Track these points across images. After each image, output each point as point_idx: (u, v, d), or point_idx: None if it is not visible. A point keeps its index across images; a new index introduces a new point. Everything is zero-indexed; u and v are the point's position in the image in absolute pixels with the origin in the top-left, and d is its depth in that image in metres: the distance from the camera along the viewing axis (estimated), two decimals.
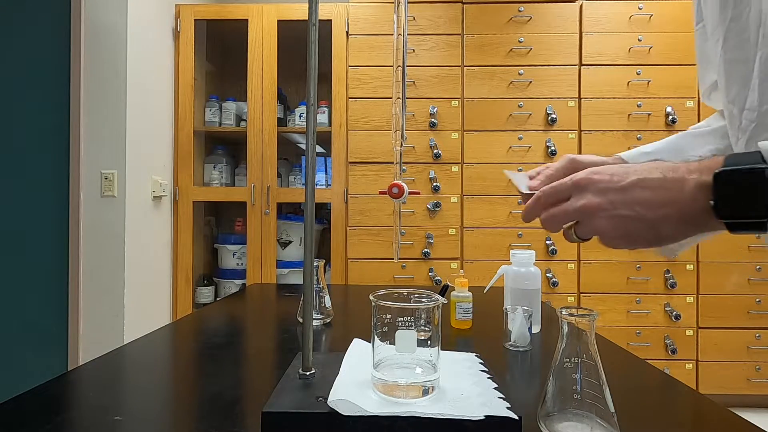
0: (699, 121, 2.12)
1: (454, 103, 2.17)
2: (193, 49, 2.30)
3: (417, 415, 0.45)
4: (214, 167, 2.45)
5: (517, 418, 0.45)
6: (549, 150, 2.11)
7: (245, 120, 2.39)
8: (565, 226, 0.48)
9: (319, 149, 2.71)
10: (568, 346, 0.46)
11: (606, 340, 0.86)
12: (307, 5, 0.57)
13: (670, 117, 2.09)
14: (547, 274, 2.11)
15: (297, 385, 0.52)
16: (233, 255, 2.47)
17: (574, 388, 0.44)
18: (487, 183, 2.15)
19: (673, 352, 2.06)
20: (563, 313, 0.46)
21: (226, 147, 2.57)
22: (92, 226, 1.92)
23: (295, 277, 2.40)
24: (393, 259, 2.06)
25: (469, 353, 0.65)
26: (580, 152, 2.14)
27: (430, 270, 2.13)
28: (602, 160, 0.62)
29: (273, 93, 2.29)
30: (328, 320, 0.97)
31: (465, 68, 2.17)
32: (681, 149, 0.64)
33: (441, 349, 0.51)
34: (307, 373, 0.54)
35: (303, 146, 2.82)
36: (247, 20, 2.28)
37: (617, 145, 2.12)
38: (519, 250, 0.93)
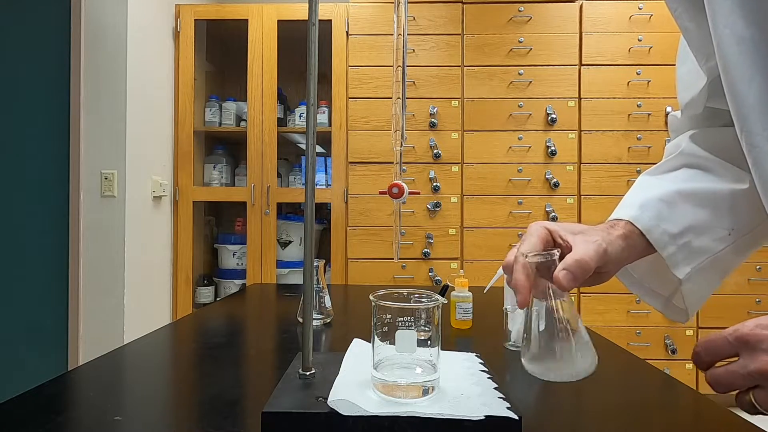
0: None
1: (454, 103, 2.17)
2: (193, 49, 2.30)
3: (417, 415, 0.45)
4: (214, 167, 2.45)
5: (517, 418, 0.45)
6: (549, 150, 2.11)
7: (245, 120, 2.39)
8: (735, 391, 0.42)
9: (319, 149, 2.71)
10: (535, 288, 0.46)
11: (606, 340, 0.86)
12: (307, 5, 0.57)
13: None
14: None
15: (297, 385, 0.52)
16: (233, 255, 2.47)
17: (547, 327, 0.45)
18: (487, 183, 2.15)
19: (673, 352, 2.06)
20: (528, 259, 0.46)
21: (226, 147, 2.57)
22: (92, 226, 1.91)
23: (295, 277, 2.40)
24: (393, 259, 2.06)
25: (469, 353, 0.65)
26: (580, 152, 2.14)
27: (430, 270, 2.13)
28: (579, 229, 0.53)
29: (273, 93, 2.29)
30: (328, 320, 0.97)
31: (465, 68, 2.17)
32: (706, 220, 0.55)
33: (441, 349, 0.51)
34: (307, 373, 0.54)
35: (303, 146, 2.82)
36: (247, 20, 2.28)
37: (617, 145, 2.12)
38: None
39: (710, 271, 0.55)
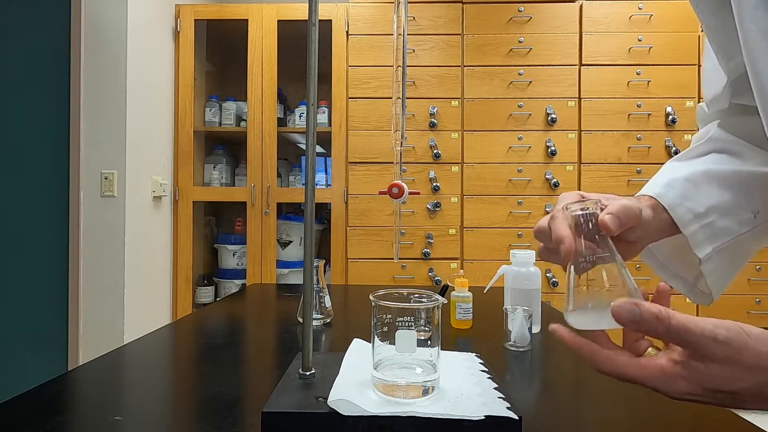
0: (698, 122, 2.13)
1: (454, 103, 2.17)
2: (193, 49, 2.30)
3: (417, 415, 0.45)
4: (214, 167, 2.45)
5: (517, 418, 0.45)
6: (549, 150, 2.11)
7: (245, 120, 2.39)
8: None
9: (319, 149, 2.71)
10: (579, 241, 0.43)
11: None
12: (307, 5, 0.57)
13: (670, 117, 2.09)
14: (547, 274, 2.11)
15: (297, 385, 0.52)
16: (233, 255, 2.47)
17: (589, 278, 0.42)
18: (487, 183, 2.15)
19: None
20: (570, 210, 0.44)
21: (226, 147, 2.57)
22: (92, 226, 1.91)
23: (295, 277, 2.40)
24: (393, 259, 2.06)
25: (469, 353, 0.65)
26: (580, 152, 2.14)
27: (430, 270, 2.13)
28: (610, 196, 0.52)
29: (273, 93, 2.29)
30: (328, 320, 0.97)
31: (465, 68, 2.17)
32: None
33: (441, 349, 0.51)
34: (307, 373, 0.54)
35: (303, 146, 2.82)
36: (247, 20, 2.28)
37: (617, 145, 2.12)
38: (519, 250, 0.93)
39: (732, 253, 0.55)
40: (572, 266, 0.43)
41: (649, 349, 0.41)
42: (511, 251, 0.93)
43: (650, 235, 0.53)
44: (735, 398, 0.34)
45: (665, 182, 0.54)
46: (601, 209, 0.45)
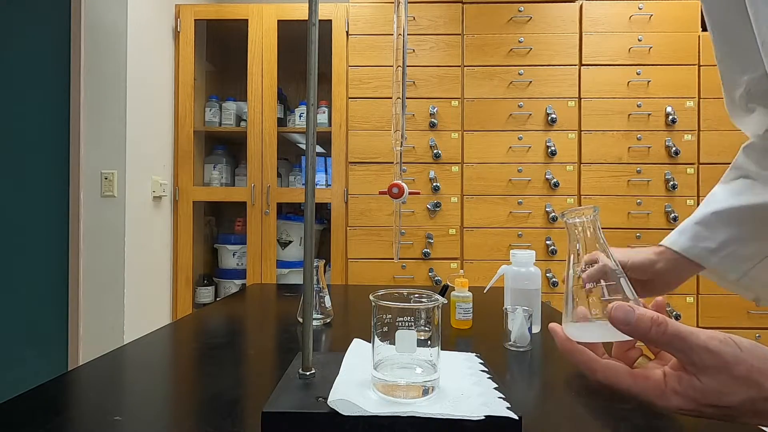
0: (699, 121, 2.13)
1: (454, 103, 2.17)
2: (193, 49, 2.30)
3: (417, 415, 0.45)
4: (214, 167, 2.45)
5: (517, 418, 0.45)
6: (549, 150, 2.11)
7: (245, 120, 2.39)
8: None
9: (319, 149, 2.71)
10: (572, 249, 0.43)
11: None
12: (307, 5, 0.57)
13: (670, 117, 2.09)
14: (547, 274, 2.11)
15: (297, 385, 0.52)
16: (233, 255, 2.47)
17: (587, 288, 0.41)
18: (487, 183, 2.15)
19: None
20: (564, 218, 0.44)
21: (226, 147, 2.57)
22: (92, 226, 1.91)
23: (295, 277, 2.40)
24: (393, 259, 2.06)
25: (469, 353, 0.65)
26: (580, 152, 2.14)
27: (430, 270, 2.13)
28: (649, 261, 0.64)
29: (273, 93, 2.29)
30: (328, 320, 0.97)
31: (465, 68, 2.17)
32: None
33: (441, 349, 0.51)
34: (307, 373, 0.54)
35: (303, 146, 2.82)
36: (247, 20, 2.28)
37: (617, 145, 2.12)
38: (519, 250, 0.93)
39: None
40: (571, 277, 0.43)
41: (640, 358, 0.41)
42: (511, 251, 0.93)
43: (674, 277, 0.64)
44: (728, 412, 0.34)
45: (678, 230, 0.65)
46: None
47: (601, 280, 0.41)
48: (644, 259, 0.65)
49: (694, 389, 0.34)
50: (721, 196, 0.65)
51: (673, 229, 0.67)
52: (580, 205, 2.11)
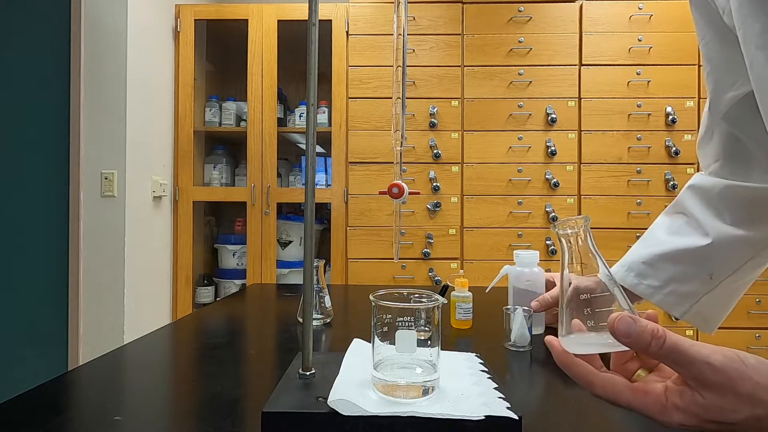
0: (699, 121, 2.13)
1: (454, 103, 2.17)
2: (193, 49, 2.30)
3: (417, 415, 0.45)
4: (214, 167, 2.45)
5: (517, 418, 0.45)
6: (549, 150, 2.11)
7: (245, 120, 2.39)
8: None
9: (319, 149, 2.71)
10: (565, 260, 0.42)
11: None
12: (307, 5, 0.57)
13: (670, 117, 2.09)
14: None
15: (297, 385, 0.52)
16: (233, 255, 2.47)
17: (582, 299, 0.41)
18: (487, 183, 2.15)
19: None
20: (558, 229, 0.43)
21: (226, 147, 2.57)
22: (92, 226, 1.91)
23: (295, 277, 2.40)
24: (393, 259, 2.06)
25: (469, 353, 0.65)
26: (580, 152, 2.14)
27: (430, 270, 2.13)
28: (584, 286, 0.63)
29: (273, 93, 2.29)
30: (328, 320, 0.97)
31: (465, 68, 2.17)
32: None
33: (441, 349, 0.51)
34: (307, 373, 0.54)
35: (303, 146, 2.82)
36: (247, 20, 2.28)
37: (617, 145, 2.12)
38: (522, 251, 0.92)
39: (711, 304, 0.68)
40: (565, 288, 0.42)
41: (639, 371, 0.41)
42: (515, 252, 0.92)
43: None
44: (731, 428, 0.34)
45: (627, 266, 0.73)
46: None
47: (597, 291, 0.41)
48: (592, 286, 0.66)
49: (696, 405, 0.34)
50: (663, 236, 0.72)
51: None
52: (579, 207, 2.12)
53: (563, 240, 0.43)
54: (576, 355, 0.39)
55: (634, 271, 0.71)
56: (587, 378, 0.38)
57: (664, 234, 0.72)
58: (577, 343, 0.40)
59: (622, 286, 0.55)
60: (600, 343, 0.38)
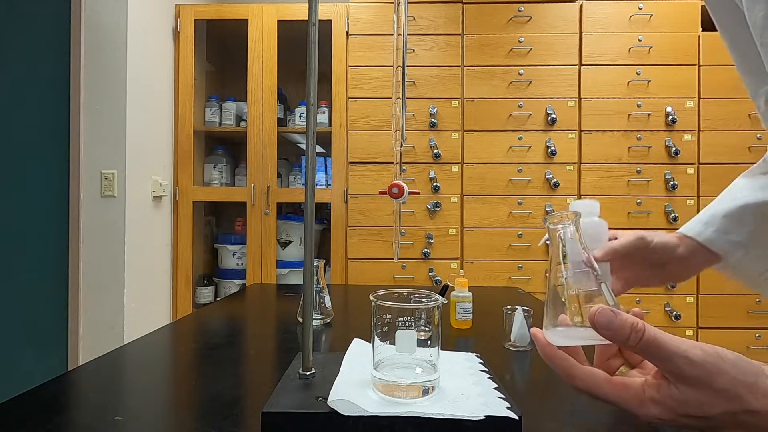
0: (699, 121, 2.13)
1: (454, 103, 2.17)
2: (193, 49, 2.30)
3: (417, 415, 0.45)
4: (214, 167, 2.45)
5: (517, 418, 0.45)
6: (549, 150, 2.11)
7: (245, 120, 2.39)
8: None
9: (319, 149, 2.71)
10: (554, 254, 0.42)
11: None
12: (307, 5, 0.57)
13: (670, 117, 2.09)
14: (548, 275, 2.10)
15: (297, 385, 0.52)
16: (233, 255, 2.47)
17: (570, 294, 0.41)
18: (487, 183, 2.15)
19: None
20: (550, 223, 0.43)
21: (226, 147, 2.57)
22: (92, 226, 1.91)
23: (295, 277, 2.40)
24: (393, 259, 2.06)
25: (469, 353, 0.65)
26: (580, 152, 2.14)
27: (430, 270, 2.13)
28: (672, 244, 0.63)
29: (273, 93, 2.29)
30: (328, 320, 0.97)
31: (465, 68, 2.17)
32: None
33: (441, 349, 0.51)
34: (307, 373, 0.54)
35: (303, 146, 2.82)
36: (247, 20, 2.28)
37: (617, 145, 2.12)
38: (581, 201, 0.72)
39: None
40: (552, 281, 0.42)
41: (621, 367, 0.41)
42: (571, 203, 0.70)
43: (692, 265, 0.63)
44: (706, 423, 0.34)
45: (705, 221, 0.63)
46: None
47: (584, 286, 0.41)
48: (667, 242, 0.64)
49: (672, 399, 0.34)
50: (747, 191, 0.63)
51: (674, 229, 0.66)
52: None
53: (553, 234, 0.43)
54: (560, 348, 0.40)
55: (714, 226, 0.63)
56: (569, 371, 0.39)
57: (750, 189, 0.63)
58: (562, 335, 0.40)
59: (702, 243, 0.60)
60: (584, 336, 0.39)
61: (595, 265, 0.42)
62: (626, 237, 0.59)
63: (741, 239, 0.60)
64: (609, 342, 0.37)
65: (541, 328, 0.42)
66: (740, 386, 0.33)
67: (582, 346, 0.41)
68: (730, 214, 0.61)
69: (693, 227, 0.64)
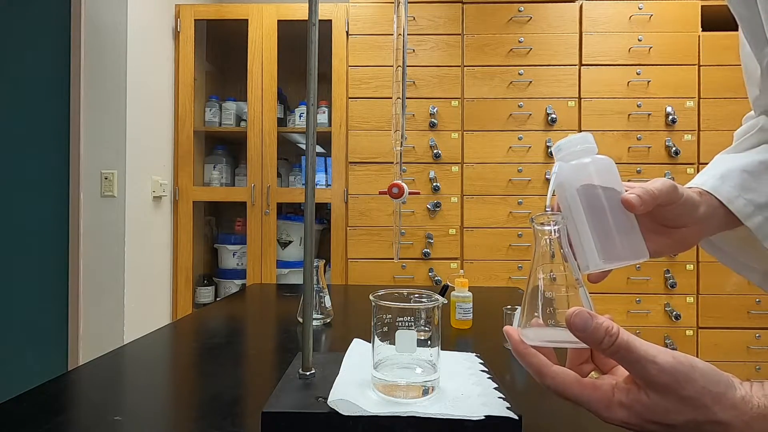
0: (699, 121, 2.13)
1: (454, 103, 2.17)
2: (193, 49, 2.30)
3: (417, 415, 0.45)
4: (214, 167, 2.45)
5: (517, 418, 0.45)
6: (549, 150, 2.11)
7: (245, 120, 2.39)
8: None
9: (319, 149, 2.71)
10: (537, 255, 0.42)
11: None
12: (307, 5, 0.57)
13: (670, 117, 2.09)
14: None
15: (297, 385, 0.52)
16: (233, 255, 2.46)
17: (547, 296, 0.41)
18: (487, 183, 2.15)
19: None
20: (535, 223, 0.43)
21: (226, 147, 2.57)
22: (92, 226, 1.91)
23: (295, 277, 2.40)
24: (393, 259, 2.06)
25: (469, 353, 0.65)
26: None
27: (430, 270, 2.13)
28: (696, 201, 0.47)
29: (273, 93, 2.28)
30: (328, 320, 0.97)
31: (465, 68, 2.17)
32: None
33: (441, 349, 0.51)
34: (307, 373, 0.54)
35: (303, 146, 2.82)
36: (247, 20, 2.28)
37: (617, 145, 2.12)
38: (566, 138, 0.51)
39: None
40: (531, 281, 0.42)
41: (592, 372, 0.41)
42: (557, 144, 0.51)
43: (706, 229, 0.50)
44: (671, 431, 0.34)
45: (720, 174, 0.50)
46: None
47: (562, 289, 0.41)
48: (693, 199, 0.48)
49: (640, 404, 0.34)
50: (761, 150, 0.52)
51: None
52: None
53: (538, 234, 0.43)
54: (534, 347, 0.40)
55: (732, 182, 0.49)
56: (539, 369, 0.39)
57: (763, 151, 0.52)
58: (536, 335, 0.41)
59: (721, 201, 0.48)
60: (557, 337, 0.39)
61: (576, 267, 0.42)
62: (658, 183, 0.44)
63: (762, 200, 0.48)
64: (582, 345, 0.37)
65: (517, 327, 0.42)
66: (708, 396, 0.32)
67: (554, 349, 0.41)
68: (749, 168, 0.49)
69: (706, 180, 0.50)
